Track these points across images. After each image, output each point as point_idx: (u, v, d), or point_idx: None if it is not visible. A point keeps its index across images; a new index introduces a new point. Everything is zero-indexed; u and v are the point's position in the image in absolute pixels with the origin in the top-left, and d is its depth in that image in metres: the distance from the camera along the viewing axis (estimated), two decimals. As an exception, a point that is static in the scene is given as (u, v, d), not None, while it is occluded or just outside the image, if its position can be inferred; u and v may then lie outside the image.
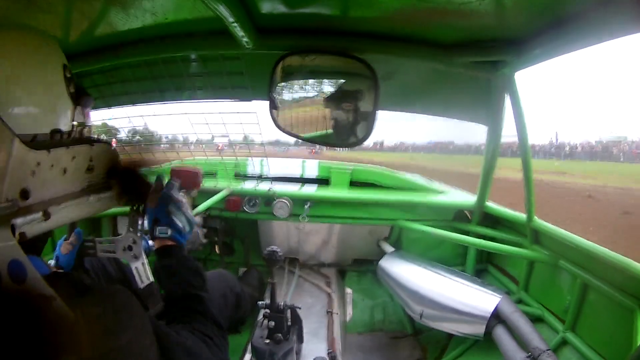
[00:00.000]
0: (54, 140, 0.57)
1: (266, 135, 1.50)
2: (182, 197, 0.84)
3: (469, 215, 1.70)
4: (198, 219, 1.76)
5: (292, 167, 2.15)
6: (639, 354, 0.83)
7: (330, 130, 1.14)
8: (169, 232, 0.78)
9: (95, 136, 0.72)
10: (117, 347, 0.40)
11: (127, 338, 0.42)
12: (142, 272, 0.84)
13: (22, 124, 0.53)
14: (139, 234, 0.83)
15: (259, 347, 1.18)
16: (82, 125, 0.66)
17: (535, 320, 1.31)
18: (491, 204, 1.60)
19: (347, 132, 1.13)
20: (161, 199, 0.79)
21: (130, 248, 0.83)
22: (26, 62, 0.55)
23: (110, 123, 1.61)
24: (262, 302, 1.27)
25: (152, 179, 0.82)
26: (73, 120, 0.62)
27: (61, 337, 0.34)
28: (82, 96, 0.65)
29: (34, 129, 0.55)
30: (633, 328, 0.92)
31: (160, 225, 0.78)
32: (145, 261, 0.85)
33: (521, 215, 1.40)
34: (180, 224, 0.79)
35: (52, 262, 0.95)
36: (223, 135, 1.56)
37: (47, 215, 0.47)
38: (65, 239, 0.91)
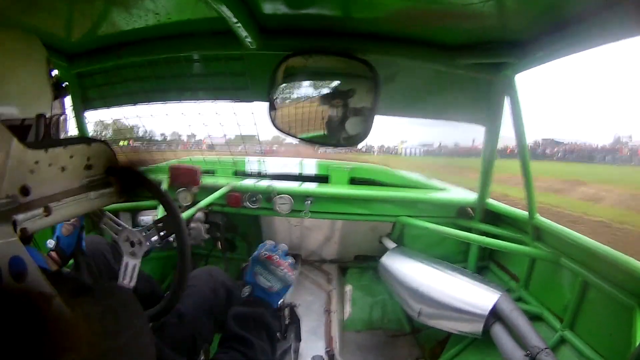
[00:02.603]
0: (52, 140, 0.59)
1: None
2: (275, 255, 0.86)
3: (471, 212, 1.70)
4: (200, 215, 1.78)
5: (290, 165, 2.15)
6: (639, 352, 0.83)
7: (328, 131, 1.14)
8: (247, 291, 0.83)
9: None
10: (116, 346, 0.41)
11: (126, 337, 0.43)
12: (130, 272, 0.82)
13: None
14: (143, 234, 0.82)
15: None
16: (60, 114, 0.69)
17: (534, 318, 1.31)
18: (493, 201, 1.60)
19: (345, 132, 1.13)
20: (252, 260, 0.85)
21: (132, 244, 0.83)
22: (12, 55, 0.58)
23: (110, 122, 1.61)
24: None
25: (152, 176, 0.82)
26: (53, 109, 0.66)
27: (60, 335, 0.34)
28: (60, 88, 0.68)
29: (22, 115, 0.58)
30: (632, 327, 0.92)
31: (245, 285, 0.84)
32: (138, 265, 0.83)
33: (523, 213, 1.40)
34: (266, 284, 0.82)
35: (52, 242, 0.95)
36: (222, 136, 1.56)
37: (48, 211, 0.48)
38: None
